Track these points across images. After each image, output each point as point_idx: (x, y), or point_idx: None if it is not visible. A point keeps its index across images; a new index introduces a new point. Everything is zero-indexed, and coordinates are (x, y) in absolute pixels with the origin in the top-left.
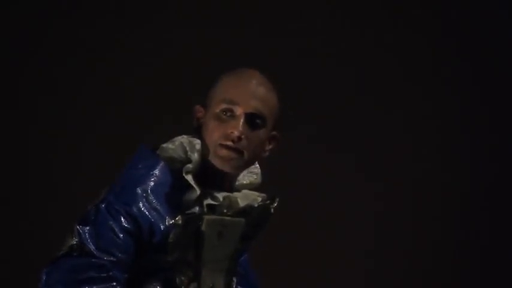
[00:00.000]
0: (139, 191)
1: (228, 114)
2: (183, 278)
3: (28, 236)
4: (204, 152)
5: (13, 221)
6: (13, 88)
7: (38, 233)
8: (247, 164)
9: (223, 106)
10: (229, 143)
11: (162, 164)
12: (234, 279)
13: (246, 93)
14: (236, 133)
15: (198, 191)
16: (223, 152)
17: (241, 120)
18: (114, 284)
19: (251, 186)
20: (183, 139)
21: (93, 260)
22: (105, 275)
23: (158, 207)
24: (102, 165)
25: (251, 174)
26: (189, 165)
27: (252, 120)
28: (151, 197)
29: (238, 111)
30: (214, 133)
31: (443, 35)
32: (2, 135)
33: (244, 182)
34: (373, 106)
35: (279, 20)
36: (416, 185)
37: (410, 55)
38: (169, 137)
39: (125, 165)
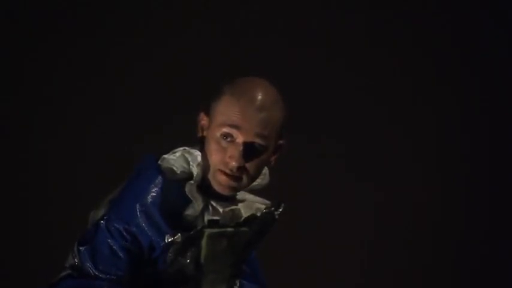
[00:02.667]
0: (138, 206)
1: (228, 139)
2: None
3: (28, 237)
4: (205, 164)
5: (13, 221)
6: (13, 88)
7: (38, 233)
8: (249, 184)
9: (224, 130)
10: (228, 171)
11: (162, 176)
12: (237, 282)
13: (247, 120)
14: (234, 164)
15: (201, 206)
16: (222, 179)
17: (240, 149)
18: None
19: (258, 187)
20: (184, 151)
21: (92, 281)
22: None
23: (158, 221)
24: (102, 165)
25: None
26: (191, 182)
27: (252, 147)
28: (151, 211)
29: (239, 138)
30: (214, 157)
31: (443, 34)
32: (2, 135)
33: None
34: (372, 106)
35: (278, 21)
36: (416, 185)
37: (410, 55)
38: (168, 143)
39: (132, 168)
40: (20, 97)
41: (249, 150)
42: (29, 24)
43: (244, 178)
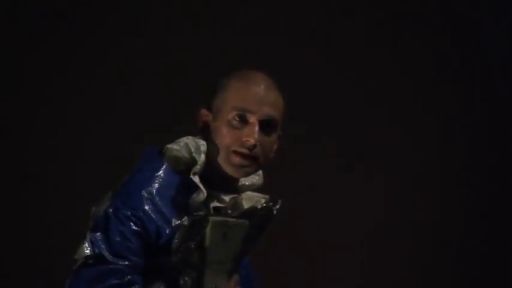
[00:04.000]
0: (144, 194)
1: (242, 120)
2: (186, 278)
3: (28, 237)
4: (211, 154)
5: (13, 221)
6: (13, 88)
7: (38, 233)
8: (259, 169)
9: (237, 112)
10: (245, 151)
11: (166, 165)
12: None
13: (258, 99)
14: (252, 141)
15: (205, 193)
16: (237, 160)
17: (256, 128)
18: (137, 286)
19: (253, 188)
20: (188, 140)
21: (110, 266)
22: (126, 279)
23: (163, 210)
24: (102, 165)
25: (253, 176)
26: (197, 167)
27: (265, 126)
28: (156, 199)
29: (252, 118)
30: (227, 139)
31: (443, 34)
32: (2, 135)
33: (246, 183)
34: (372, 106)
35: (278, 21)
36: (416, 185)
37: (410, 55)
38: (169, 143)
39: (133, 167)
40: (20, 97)
41: (263, 129)
42: (29, 24)
43: (259, 159)
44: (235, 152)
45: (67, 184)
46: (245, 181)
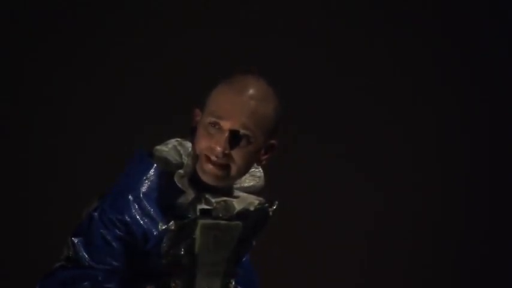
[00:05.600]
0: (131, 197)
1: (216, 127)
2: (177, 281)
3: (28, 237)
4: (195, 154)
5: (13, 221)
6: (13, 88)
7: (38, 233)
8: (236, 176)
9: (211, 119)
10: (213, 158)
11: (155, 167)
12: (232, 281)
13: (235, 108)
14: (219, 149)
15: (192, 196)
16: (208, 167)
17: (226, 136)
18: None
19: (253, 189)
20: (176, 142)
21: (88, 271)
22: (99, 286)
23: (151, 213)
24: (102, 165)
25: (253, 178)
26: (181, 171)
27: (238, 136)
28: (143, 203)
29: (225, 126)
30: (201, 142)
31: (443, 34)
32: (2, 135)
33: (245, 184)
34: (372, 106)
35: (278, 21)
36: (416, 185)
37: (410, 55)
38: (166, 139)
39: (123, 170)
40: (20, 97)
41: (235, 139)
42: (29, 24)
43: (231, 167)
44: (207, 158)
45: (67, 184)
46: (244, 183)
